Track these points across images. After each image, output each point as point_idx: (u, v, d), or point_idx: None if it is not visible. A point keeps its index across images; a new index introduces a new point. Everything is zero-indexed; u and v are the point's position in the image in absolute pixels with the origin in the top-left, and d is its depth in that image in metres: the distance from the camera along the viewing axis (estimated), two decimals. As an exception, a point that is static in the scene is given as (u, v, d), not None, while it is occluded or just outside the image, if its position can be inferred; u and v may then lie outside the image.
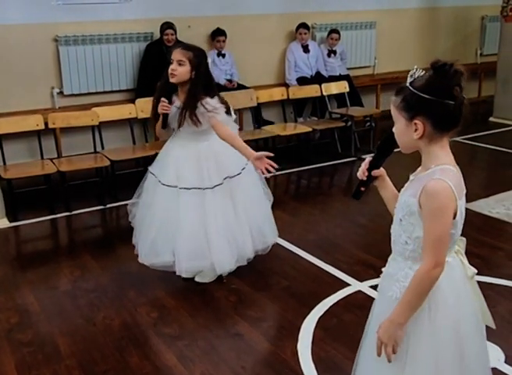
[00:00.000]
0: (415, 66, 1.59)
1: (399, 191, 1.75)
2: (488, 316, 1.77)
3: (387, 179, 1.81)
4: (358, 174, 1.78)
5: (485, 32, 8.40)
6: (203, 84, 3.09)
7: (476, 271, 1.71)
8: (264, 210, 3.39)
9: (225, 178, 3.18)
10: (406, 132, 1.59)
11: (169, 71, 3.06)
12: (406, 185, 1.71)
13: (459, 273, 1.62)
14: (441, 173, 1.55)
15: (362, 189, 1.78)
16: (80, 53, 5.61)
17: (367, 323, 1.87)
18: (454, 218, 1.56)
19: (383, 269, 1.80)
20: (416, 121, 1.56)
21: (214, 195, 3.16)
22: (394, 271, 1.69)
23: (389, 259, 1.76)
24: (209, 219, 3.17)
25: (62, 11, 5.48)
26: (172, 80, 3.08)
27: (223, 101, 3.16)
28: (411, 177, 1.69)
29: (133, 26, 5.86)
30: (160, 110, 3.11)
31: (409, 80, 1.58)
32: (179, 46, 3.16)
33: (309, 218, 4.35)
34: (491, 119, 7.35)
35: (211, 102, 3.09)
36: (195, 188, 3.14)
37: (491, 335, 2.73)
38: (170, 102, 3.14)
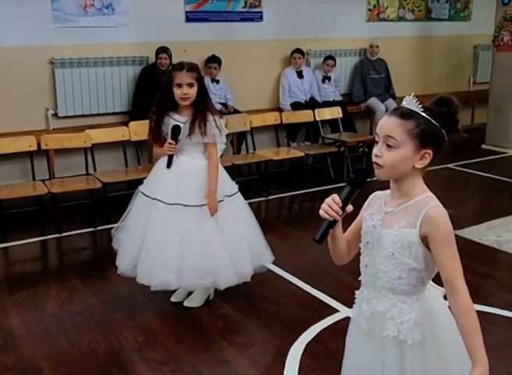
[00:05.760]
0: (412, 93, 1.58)
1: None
2: None
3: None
4: (331, 214, 1.54)
5: (477, 60, 8.50)
6: (208, 96, 3.23)
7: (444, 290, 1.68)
8: (256, 231, 3.40)
9: (224, 196, 3.22)
10: (409, 159, 1.54)
11: (180, 95, 3.09)
12: (381, 217, 1.61)
13: (437, 294, 1.61)
14: (432, 200, 1.56)
15: (331, 231, 1.58)
16: (76, 76, 5.65)
17: (343, 362, 1.77)
18: None
19: (356, 307, 1.69)
20: (427, 151, 1.54)
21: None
22: (385, 309, 1.61)
23: (369, 297, 1.65)
24: (212, 235, 3.16)
25: (59, 34, 5.53)
26: (185, 103, 3.11)
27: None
28: (389, 209, 1.61)
29: (129, 50, 5.91)
30: (167, 151, 3.13)
31: (414, 106, 1.55)
32: (180, 67, 3.13)
33: (300, 243, 4.34)
34: (483, 146, 7.40)
35: (221, 121, 3.20)
36: (196, 205, 3.12)
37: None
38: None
